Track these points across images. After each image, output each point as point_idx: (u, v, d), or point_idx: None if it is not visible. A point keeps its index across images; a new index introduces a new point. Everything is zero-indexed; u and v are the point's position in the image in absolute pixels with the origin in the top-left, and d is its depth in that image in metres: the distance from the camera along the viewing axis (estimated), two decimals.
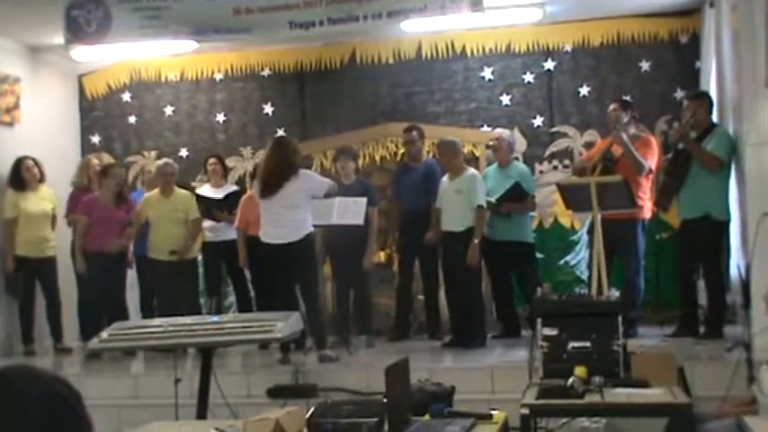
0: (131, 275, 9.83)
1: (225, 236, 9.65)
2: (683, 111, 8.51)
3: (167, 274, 9.23)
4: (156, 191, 9.52)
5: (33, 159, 9.80)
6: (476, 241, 8.58)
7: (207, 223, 9.67)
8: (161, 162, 9.78)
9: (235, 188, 10.07)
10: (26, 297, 9.69)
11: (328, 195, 8.27)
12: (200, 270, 9.81)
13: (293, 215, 7.89)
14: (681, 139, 8.20)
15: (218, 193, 9.79)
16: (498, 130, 9.79)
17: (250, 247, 9.05)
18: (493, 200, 9.06)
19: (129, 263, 9.75)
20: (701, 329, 8.29)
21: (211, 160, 10.08)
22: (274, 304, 8.04)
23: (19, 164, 9.72)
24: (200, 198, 9.61)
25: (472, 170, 9.00)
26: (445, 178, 8.98)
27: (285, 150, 8.02)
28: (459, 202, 8.70)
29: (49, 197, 9.89)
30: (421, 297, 9.65)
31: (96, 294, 9.21)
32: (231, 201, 9.61)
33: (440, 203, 8.94)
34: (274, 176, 7.91)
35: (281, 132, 11.01)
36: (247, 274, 9.66)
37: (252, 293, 9.80)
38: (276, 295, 8.09)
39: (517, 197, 9.13)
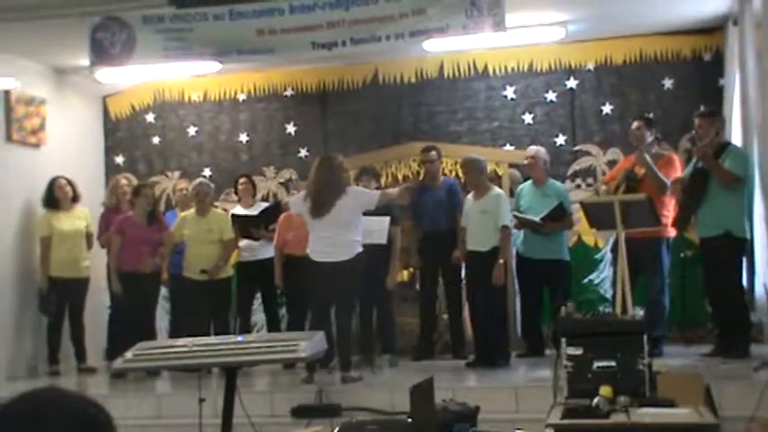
0: (162, 294, 9.89)
1: (260, 255, 9.68)
2: (696, 128, 8.45)
3: (198, 293, 9.27)
4: (192, 210, 9.56)
5: (67, 179, 9.89)
6: (501, 261, 8.56)
7: (243, 242, 9.69)
8: (196, 182, 9.83)
9: (266, 204, 10.07)
10: (57, 317, 9.74)
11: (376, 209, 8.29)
12: (233, 289, 9.82)
13: (345, 234, 7.88)
14: (702, 158, 8.14)
15: (251, 211, 9.80)
16: (533, 148, 9.67)
17: (286, 265, 9.09)
18: (537, 219, 9.04)
19: (164, 281, 9.79)
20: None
21: (242, 180, 10.11)
22: (305, 325, 8.05)
23: (52, 183, 9.80)
24: (235, 218, 9.63)
25: (497, 189, 8.98)
26: (470, 197, 8.96)
27: (334, 168, 8.00)
28: (485, 222, 8.67)
29: (84, 216, 9.97)
30: (445, 316, 9.63)
31: (128, 314, 9.26)
32: (266, 216, 9.63)
33: (465, 223, 8.92)
34: (325, 195, 7.89)
35: (304, 152, 11.06)
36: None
37: (282, 313, 9.84)
38: (310, 313, 8.07)
39: (557, 216, 9.10)
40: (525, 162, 9.55)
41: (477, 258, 8.72)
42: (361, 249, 7.97)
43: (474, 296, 8.86)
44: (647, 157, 8.45)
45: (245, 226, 9.54)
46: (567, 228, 9.39)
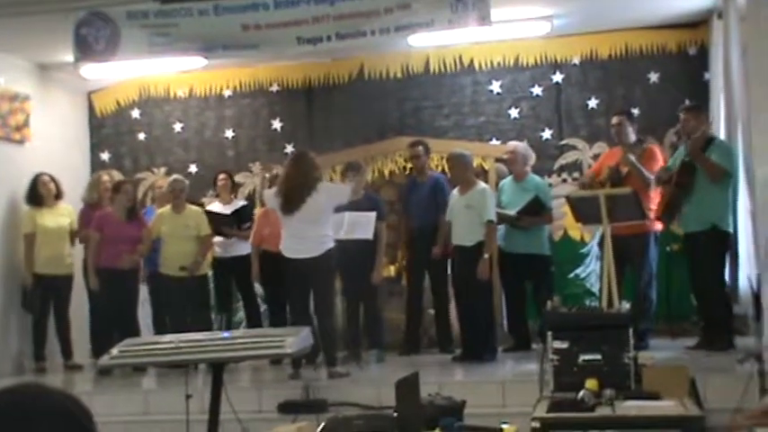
0: (143, 292, 9.85)
1: (235, 252, 9.69)
2: (681, 122, 8.49)
3: (178, 289, 9.25)
4: (168, 207, 9.53)
5: (50, 176, 9.85)
6: (486, 256, 8.57)
7: (217, 239, 9.69)
8: (171, 178, 9.80)
9: (242, 203, 10.10)
10: (41, 314, 9.71)
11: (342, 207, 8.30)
12: (212, 286, 9.81)
13: (315, 230, 7.91)
14: (692, 153, 8.16)
15: (226, 209, 9.81)
16: (512, 143, 9.76)
17: (263, 261, 9.10)
18: (513, 213, 9.07)
19: (142, 278, 9.75)
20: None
21: (221, 176, 10.10)
22: (287, 319, 8.05)
23: (36, 180, 9.77)
24: (209, 214, 9.63)
25: (482, 184, 8.99)
26: (455, 192, 8.97)
27: (305, 166, 8.02)
28: (470, 217, 8.68)
29: (67, 213, 9.93)
30: (431, 311, 9.64)
31: (108, 311, 9.24)
32: (239, 216, 9.64)
33: (450, 217, 8.93)
34: (296, 192, 7.91)
35: (290, 148, 11.04)
36: (258, 289, 9.70)
37: (262, 309, 9.84)
38: (290, 310, 8.10)
39: (535, 210, 9.13)
40: (505, 157, 9.59)
41: (462, 253, 8.73)
42: (332, 245, 8.00)
43: (460, 291, 8.87)
44: (632, 158, 8.46)
45: (217, 224, 9.55)
46: (545, 222, 9.41)
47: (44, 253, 9.66)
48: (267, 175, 9.64)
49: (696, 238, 8.23)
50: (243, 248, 9.58)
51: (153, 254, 9.55)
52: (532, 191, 9.27)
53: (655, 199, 8.54)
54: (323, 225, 7.97)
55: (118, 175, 10.93)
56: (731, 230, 8.25)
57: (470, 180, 8.91)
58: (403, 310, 9.68)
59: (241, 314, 10.20)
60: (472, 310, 8.69)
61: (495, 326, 9.10)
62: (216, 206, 9.93)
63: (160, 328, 9.50)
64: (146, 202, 11.05)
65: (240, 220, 9.66)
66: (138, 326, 9.46)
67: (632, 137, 8.74)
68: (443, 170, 9.69)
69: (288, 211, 7.97)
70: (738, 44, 8.33)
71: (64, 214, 9.90)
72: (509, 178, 9.59)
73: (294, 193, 7.92)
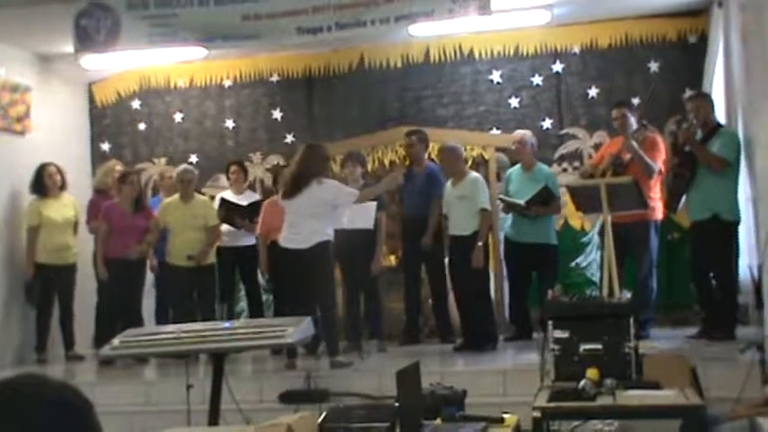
0: (148, 281, 9.85)
1: (240, 241, 9.69)
2: (687, 112, 8.49)
3: (185, 279, 9.27)
4: (176, 197, 9.54)
5: (56, 166, 9.85)
6: (480, 244, 8.59)
7: (224, 227, 9.68)
8: (180, 168, 9.79)
9: (257, 197, 10.05)
10: (45, 305, 9.72)
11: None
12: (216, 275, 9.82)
13: (311, 223, 7.87)
14: (686, 142, 8.18)
15: (241, 200, 9.79)
16: (519, 132, 9.68)
17: (271, 252, 9.09)
18: (522, 202, 9.06)
19: (153, 268, 9.74)
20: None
21: (233, 168, 10.09)
22: (287, 309, 8.08)
23: (41, 170, 9.76)
24: (224, 202, 9.62)
25: (474, 174, 9.02)
26: (448, 184, 8.99)
27: (313, 156, 8.00)
28: (464, 207, 8.72)
29: (71, 204, 9.93)
30: (431, 301, 9.64)
31: (115, 301, 9.26)
32: (253, 209, 9.61)
33: (446, 210, 8.95)
34: (296, 180, 7.91)
35: (290, 138, 11.04)
36: (261, 279, 9.71)
37: (263, 299, 9.85)
38: (290, 300, 8.12)
39: (544, 200, 9.12)
40: (513, 147, 9.55)
41: (459, 243, 8.75)
42: (326, 238, 7.91)
43: (458, 280, 8.88)
44: (634, 144, 8.43)
45: (230, 213, 9.55)
46: (554, 212, 9.38)
47: (48, 244, 9.66)
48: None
49: (699, 227, 8.24)
50: (247, 239, 9.58)
51: (160, 243, 9.55)
52: (542, 180, 9.21)
53: (655, 188, 8.54)
54: (320, 220, 7.89)
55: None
56: (735, 220, 8.24)
57: (462, 170, 8.95)
58: (403, 301, 9.68)
59: (242, 304, 10.21)
60: (469, 299, 8.71)
61: (495, 315, 9.11)
62: (229, 195, 9.91)
63: (162, 319, 9.51)
64: (147, 193, 11.02)
65: (254, 213, 9.61)
66: (142, 316, 9.47)
67: (634, 126, 8.72)
68: (436, 160, 9.68)
69: (286, 195, 7.97)
70: (739, 32, 8.31)
71: (68, 205, 9.90)
72: (517, 168, 9.52)
73: (294, 181, 7.93)
